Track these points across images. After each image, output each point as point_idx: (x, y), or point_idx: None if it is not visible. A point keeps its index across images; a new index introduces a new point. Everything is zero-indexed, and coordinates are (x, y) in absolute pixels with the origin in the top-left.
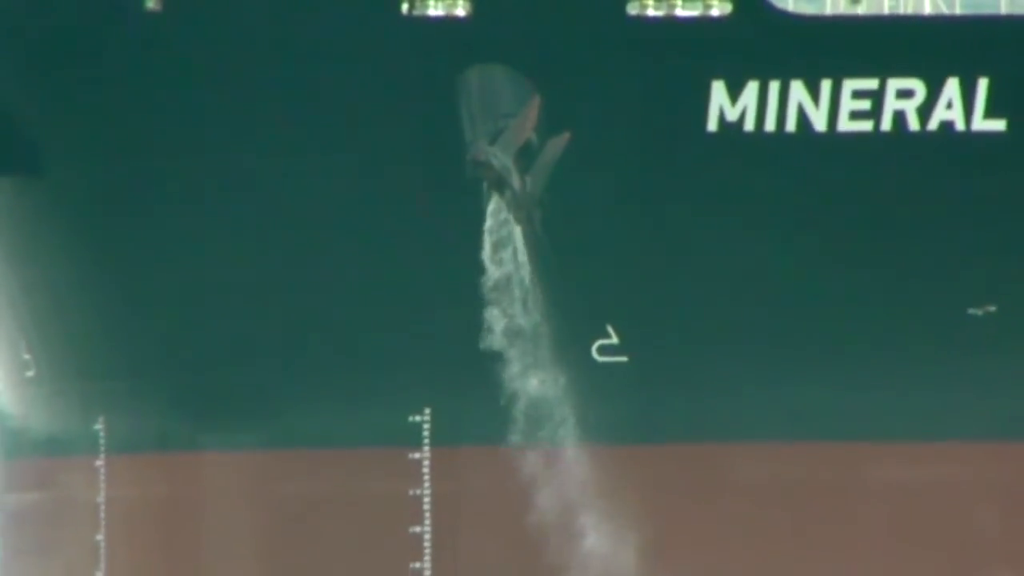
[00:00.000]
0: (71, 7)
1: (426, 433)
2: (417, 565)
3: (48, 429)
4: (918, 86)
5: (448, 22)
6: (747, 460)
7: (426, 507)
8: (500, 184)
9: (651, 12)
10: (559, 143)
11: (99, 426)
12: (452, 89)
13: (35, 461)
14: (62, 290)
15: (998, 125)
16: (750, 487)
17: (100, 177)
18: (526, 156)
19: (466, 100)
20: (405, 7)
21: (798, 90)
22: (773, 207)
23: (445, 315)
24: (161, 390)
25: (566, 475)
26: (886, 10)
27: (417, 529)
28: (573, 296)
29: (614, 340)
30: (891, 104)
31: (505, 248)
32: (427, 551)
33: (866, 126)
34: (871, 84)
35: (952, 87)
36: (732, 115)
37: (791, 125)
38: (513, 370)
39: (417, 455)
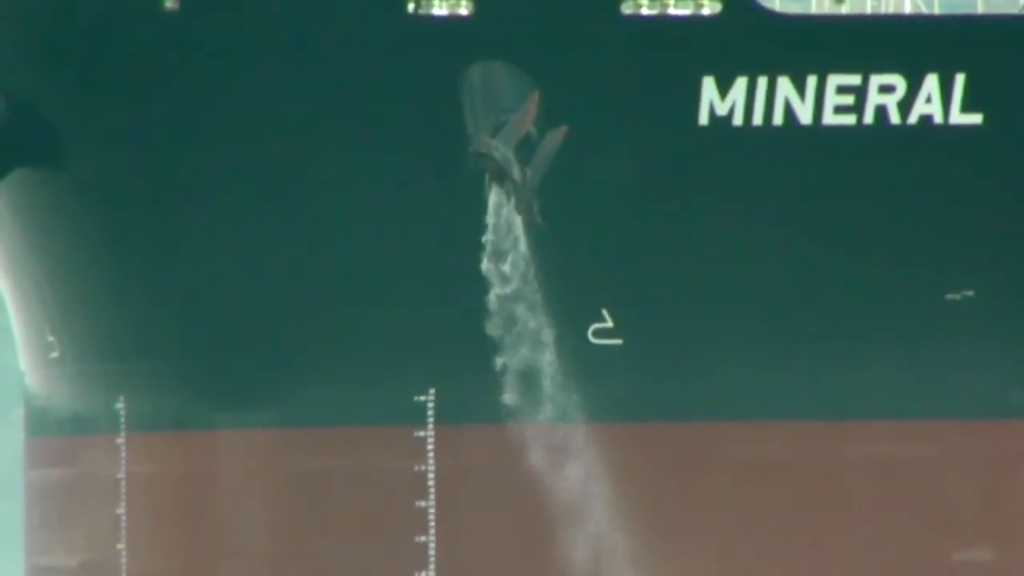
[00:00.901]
0: (90, 7)
1: (431, 412)
2: (422, 538)
3: (71, 408)
4: (899, 82)
5: (452, 21)
6: (735, 438)
7: (431, 483)
8: (501, 175)
9: (644, 11)
10: (557, 136)
11: (119, 405)
12: (455, 84)
13: (59, 439)
14: (84, 276)
15: (975, 119)
16: (739, 464)
17: (119, 169)
18: (526, 148)
19: (469, 95)
20: (411, 6)
21: (785, 85)
22: (762, 196)
23: (448, 300)
24: (178, 371)
25: (566, 452)
26: (868, 10)
27: (422, 504)
28: (570, 282)
29: (609, 324)
30: (873, 99)
31: (506, 236)
32: (431, 525)
33: (850, 120)
34: (854, 80)
35: (931, 83)
36: (722, 109)
37: (778, 119)
38: (513, 352)
39: (422, 433)
